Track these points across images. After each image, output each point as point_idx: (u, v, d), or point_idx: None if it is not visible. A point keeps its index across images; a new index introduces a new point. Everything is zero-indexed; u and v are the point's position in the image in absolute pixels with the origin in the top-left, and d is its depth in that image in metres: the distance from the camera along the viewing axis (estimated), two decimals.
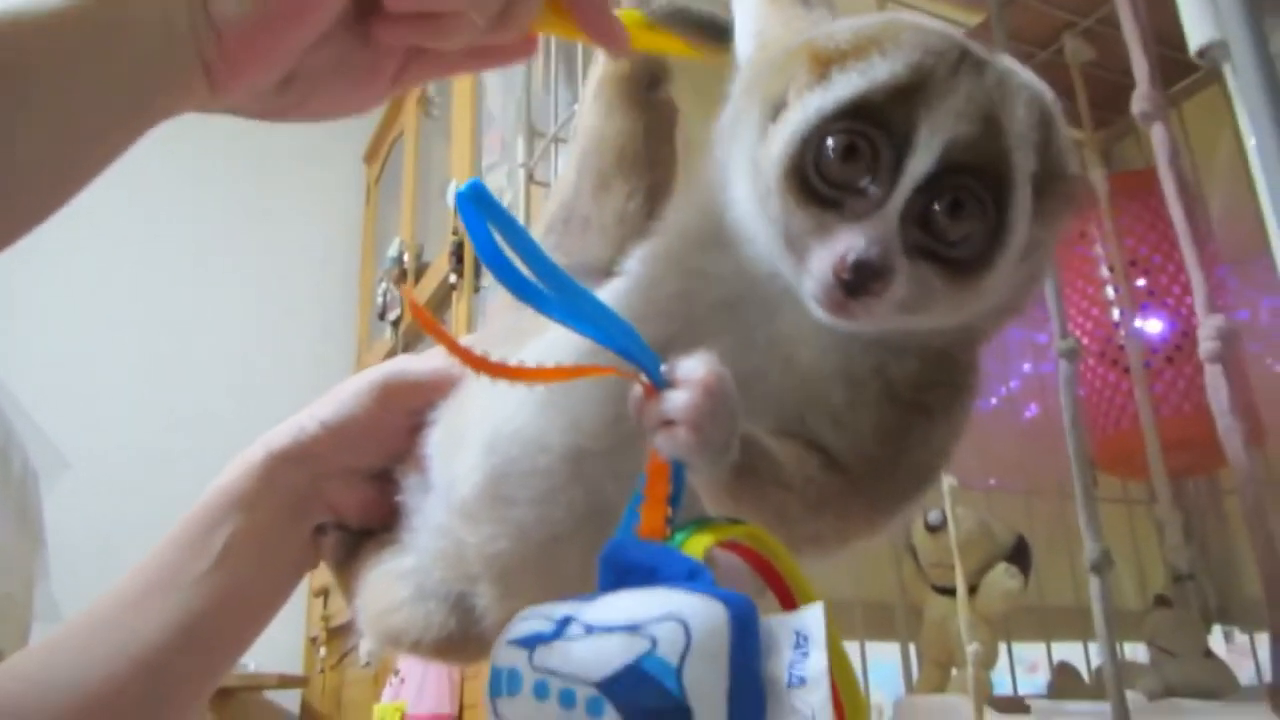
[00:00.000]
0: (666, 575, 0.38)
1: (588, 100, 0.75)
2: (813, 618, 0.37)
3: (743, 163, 0.52)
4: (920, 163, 0.46)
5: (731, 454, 0.45)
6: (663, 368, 0.43)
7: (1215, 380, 0.66)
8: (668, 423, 0.42)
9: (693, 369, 0.43)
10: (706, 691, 0.35)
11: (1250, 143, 0.62)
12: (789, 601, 0.43)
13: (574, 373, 0.46)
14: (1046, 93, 0.50)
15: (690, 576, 0.38)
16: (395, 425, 0.73)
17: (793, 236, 0.49)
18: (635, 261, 0.60)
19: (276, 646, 3.33)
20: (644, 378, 0.43)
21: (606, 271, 0.64)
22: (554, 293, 0.44)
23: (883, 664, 1.34)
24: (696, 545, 0.40)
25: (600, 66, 0.75)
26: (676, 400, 0.42)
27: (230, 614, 0.73)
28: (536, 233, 0.71)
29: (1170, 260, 1.39)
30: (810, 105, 0.48)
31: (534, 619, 0.39)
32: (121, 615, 0.71)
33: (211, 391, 3.43)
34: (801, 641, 0.36)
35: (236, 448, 0.76)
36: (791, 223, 0.49)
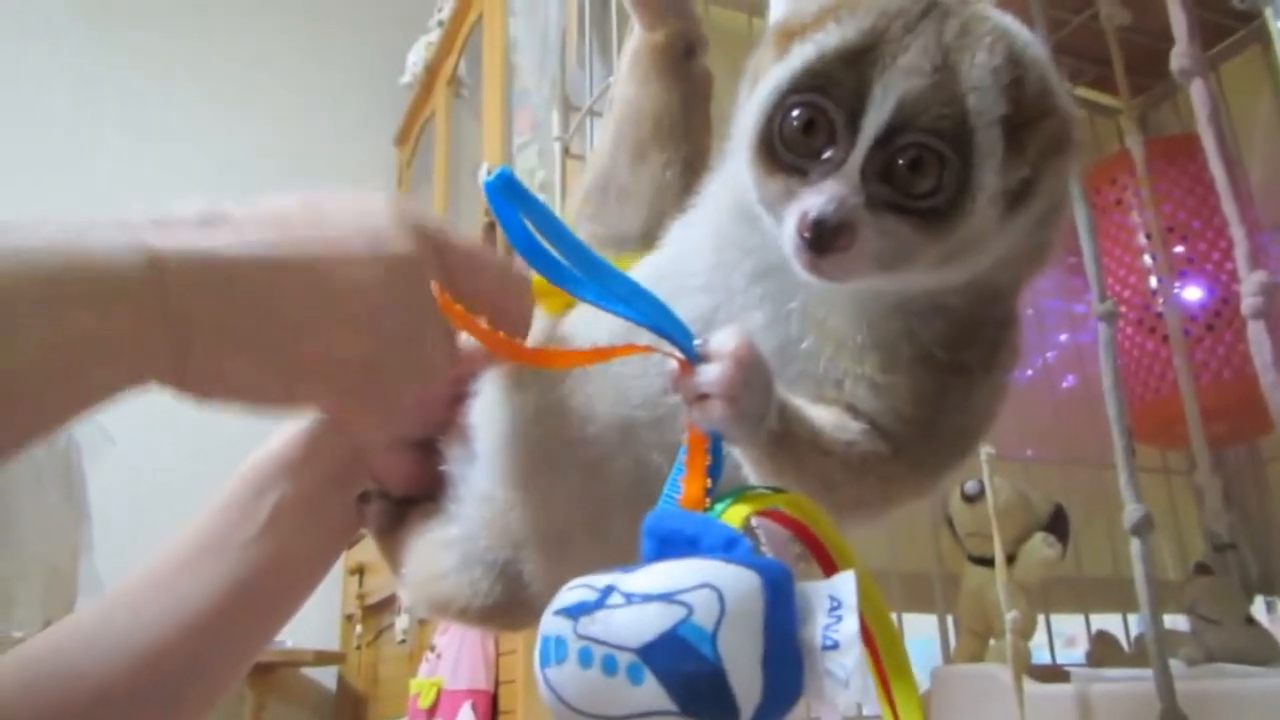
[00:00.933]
0: (706, 545, 0.39)
1: (623, 70, 0.75)
2: (845, 582, 0.38)
3: (740, 148, 0.53)
4: (874, 121, 0.46)
5: (768, 423, 0.45)
6: (696, 342, 0.44)
7: (1259, 336, 0.66)
8: (703, 396, 0.43)
9: (723, 342, 0.43)
10: (741, 656, 0.36)
11: None
12: (830, 567, 0.43)
13: (609, 354, 0.48)
14: (1019, 35, 0.49)
15: (729, 546, 0.39)
16: (438, 394, 0.74)
17: (768, 204, 0.50)
18: (673, 235, 0.61)
19: (313, 623, 3.37)
20: (679, 353, 0.44)
21: (644, 241, 0.64)
22: (586, 275, 0.45)
23: (920, 634, 1.34)
24: (735, 515, 0.41)
25: (636, 38, 0.75)
26: (709, 374, 0.43)
27: (276, 580, 0.74)
28: (573, 203, 0.72)
29: (1209, 226, 1.37)
30: (771, 79, 0.49)
31: (579, 589, 0.40)
32: (171, 579, 0.72)
33: None
34: (835, 606, 0.37)
35: (274, 428, 0.77)
36: (764, 191, 0.50)
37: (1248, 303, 0.66)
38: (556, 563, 0.63)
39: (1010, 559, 1.13)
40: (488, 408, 0.67)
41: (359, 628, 3.30)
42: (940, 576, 1.33)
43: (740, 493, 0.43)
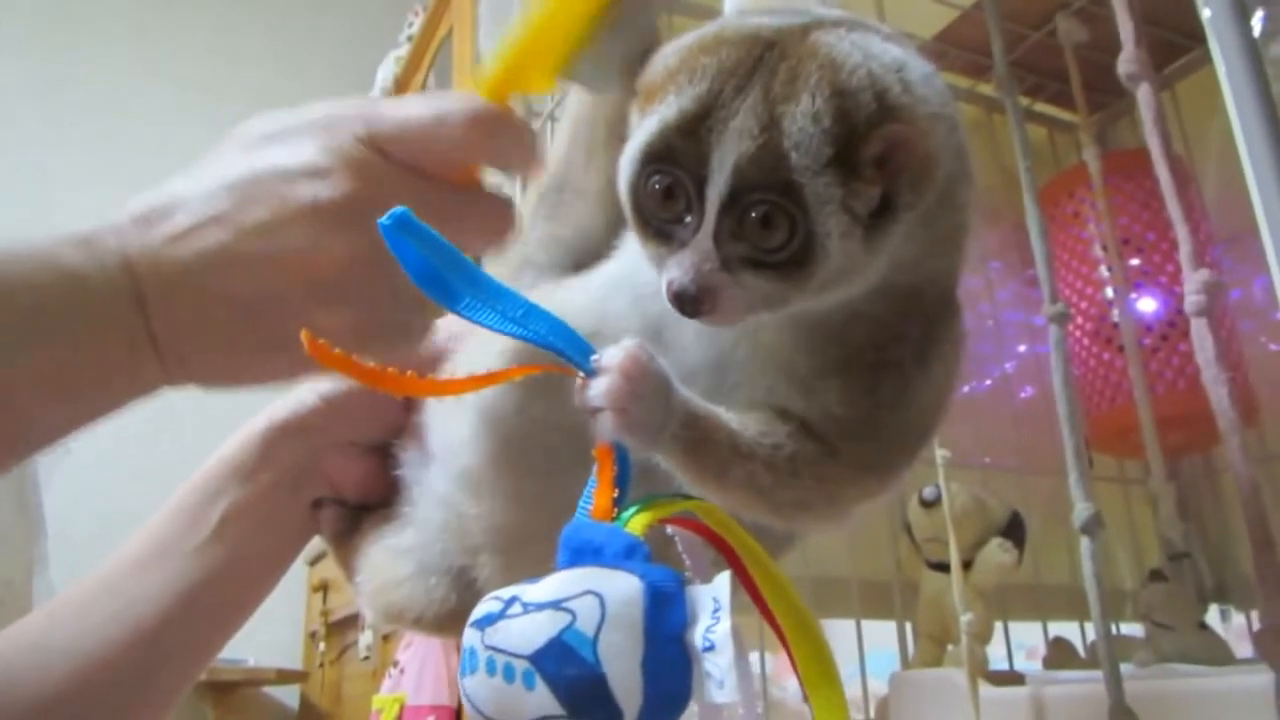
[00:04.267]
0: (609, 552, 0.41)
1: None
2: (721, 583, 0.39)
3: None
4: (715, 187, 0.47)
5: (669, 430, 0.47)
6: (593, 358, 0.46)
7: (1201, 333, 0.67)
8: (597, 409, 0.45)
9: (612, 356, 0.45)
10: (621, 660, 0.37)
11: (1221, 72, 0.62)
12: (744, 571, 0.45)
13: (503, 376, 0.49)
14: (849, 59, 0.48)
15: (628, 553, 0.40)
16: (395, 398, 0.74)
17: (649, 263, 0.52)
18: (624, 245, 0.61)
19: (276, 642, 3.33)
20: (577, 370, 0.46)
21: (599, 241, 0.64)
22: (482, 300, 0.46)
23: (880, 641, 1.34)
24: (637, 523, 0.43)
25: None
26: (598, 387, 0.45)
27: (227, 585, 0.73)
28: (530, 201, 0.72)
29: (1164, 239, 1.39)
30: (632, 145, 0.51)
31: (489, 600, 0.42)
32: (120, 583, 0.71)
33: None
34: (716, 608, 0.38)
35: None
36: (645, 253, 0.52)
37: (1190, 300, 0.68)
38: (513, 569, 0.62)
39: (967, 564, 1.14)
40: (447, 412, 0.67)
41: (322, 645, 3.26)
42: (899, 583, 1.34)
43: (646, 502, 0.44)
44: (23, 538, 1.89)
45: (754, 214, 0.47)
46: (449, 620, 0.68)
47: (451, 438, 0.65)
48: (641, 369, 0.45)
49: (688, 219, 0.49)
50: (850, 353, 0.53)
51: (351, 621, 2.92)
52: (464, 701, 0.41)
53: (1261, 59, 0.58)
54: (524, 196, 0.74)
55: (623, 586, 0.38)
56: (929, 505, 1.22)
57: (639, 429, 0.45)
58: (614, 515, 0.43)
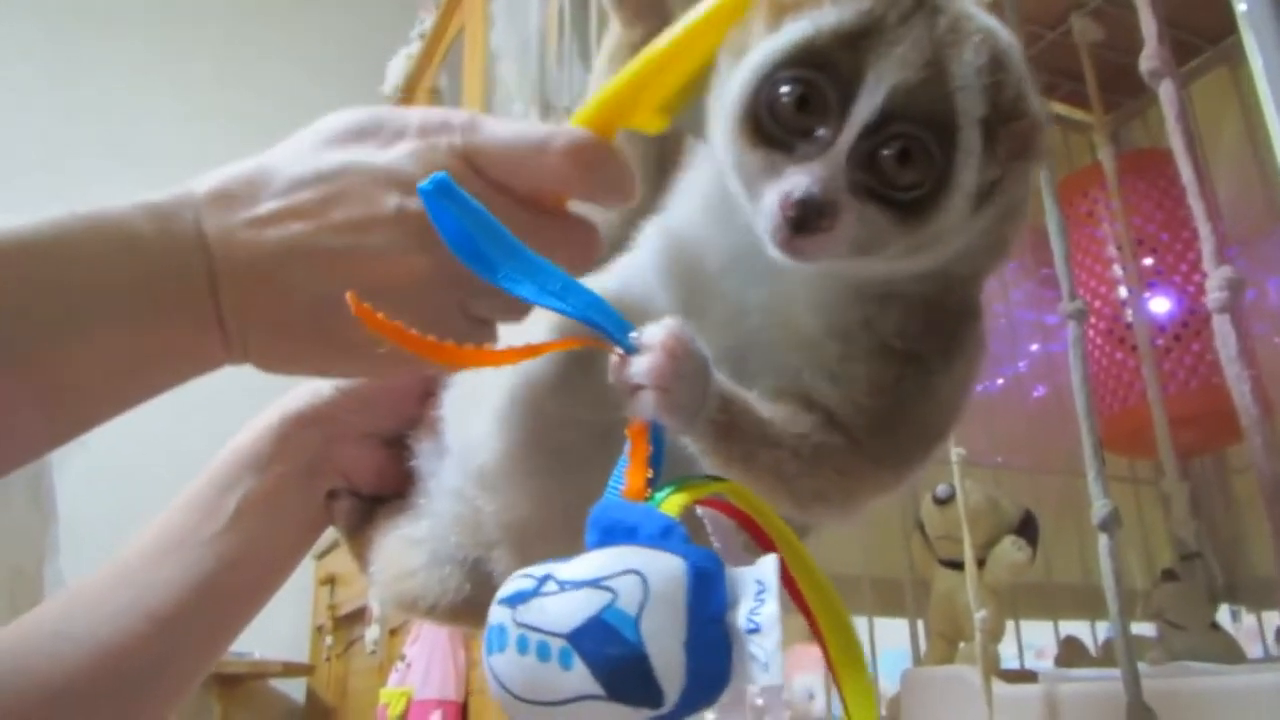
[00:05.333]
0: (644, 534, 0.40)
1: (599, 67, 0.76)
2: (767, 565, 0.38)
3: (718, 123, 0.53)
4: (865, 108, 0.47)
5: (706, 412, 0.47)
6: (631, 335, 0.45)
7: (1224, 330, 0.67)
8: (637, 387, 0.44)
9: (654, 333, 0.45)
10: (664, 640, 0.37)
11: (1255, 63, 0.62)
12: (772, 551, 0.44)
13: (542, 349, 0.49)
14: (1003, 36, 0.50)
15: (664, 534, 0.40)
16: (409, 389, 0.74)
17: (747, 178, 0.50)
18: (645, 234, 0.61)
19: (282, 635, 3.34)
20: (616, 347, 0.46)
21: (616, 234, 0.64)
22: (522, 273, 0.46)
23: (892, 639, 1.34)
24: (674, 504, 0.42)
25: (613, 35, 0.75)
26: (641, 365, 0.44)
27: (241, 575, 0.74)
28: None
29: (1177, 239, 1.39)
30: (762, 51, 0.49)
31: (520, 578, 0.41)
32: (135, 573, 0.72)
33: (228, 379, 3.43)
34: (760, 590, 0.38)
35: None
36: (745, 164, 0.50)
37: (1213, 297, 0.67)
38: (527, 561, 0.62)
39: (980, 563, 1.13)
40: (463, 408, 0.67)
41: (329, 639, 3.27)
42: (911, 581, 1.34)
43: (681, 483, 0.44)
44: (36, 526, 1.89)
45: (894, 145, 0.47)
46: (463, 609, 0.69)
47: (468, 434, 0.65)
48: (685, 347, 0.45)
49: (819, 132, 0.48)
50: (880, 342, 0.53)
51: (358, 615, 2.92)
52: (490, 681, 0.40)
53: None
54: None
55: (665, 566, 0.38)
56: (943, 503, 1.22)
57: (679, 409, 0.45)
58: (647, 495, 0.43)
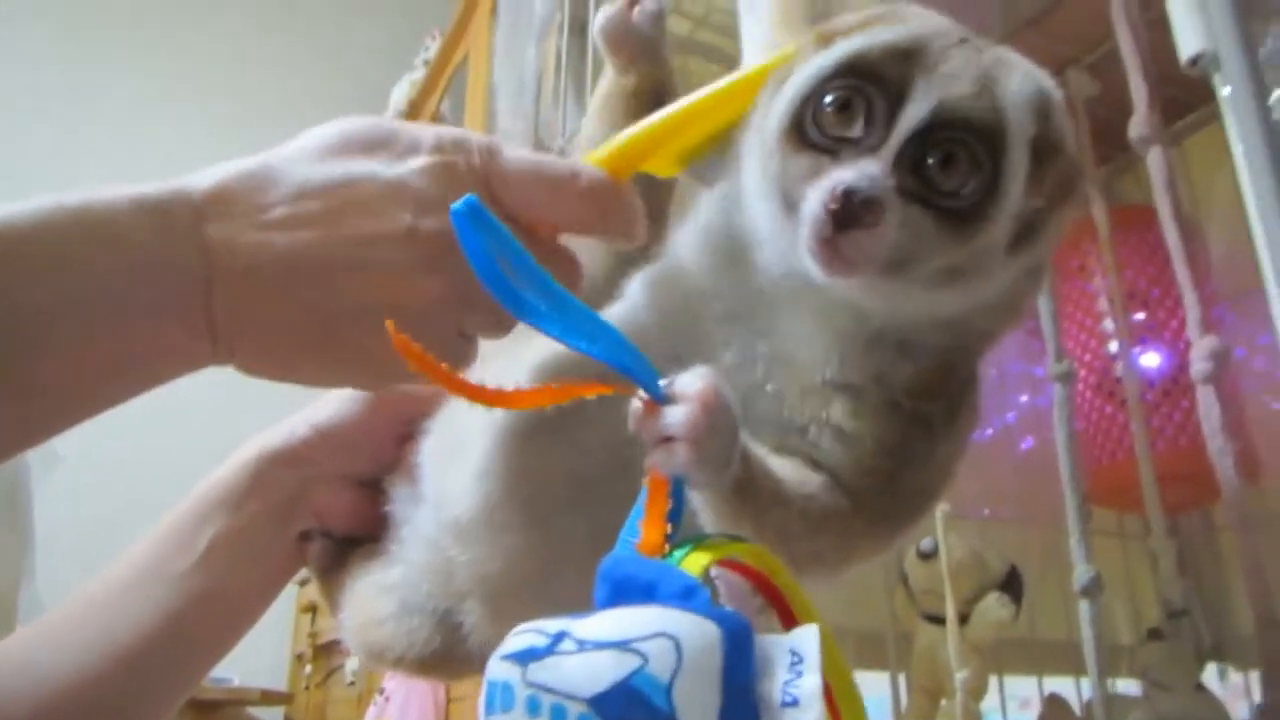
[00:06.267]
0: (663, 592, 0.38)
1: (593, 111, 0.75)
2: (808, 637, 0.36)
3: (756, 151, 0.53)
4: (914, 113, 0.47)
5: (732, 469, 0.45)
6: (661, 382, 0.43)
7: (1208, 401, 0.66)
8: (667, 438, 0.42)
9: (690, 383, 0.43)
10: (697, 710, 0.34)
11: (1237, 151, 0.62)
12: (790, 620, 0.42)
13: (572, 392, 0.46)
14: (1047, 77, 0.51)
15: (687, 594, 0.37)
16: (387, 433, 0.73)
17: (788, 188, 0.50)
18: (637, 284, 0.60)
19: (262, 662, 3.30)
20: (643, 393, 0.43)
21: (603, 286, 0.64)
22: (551, 309, 0.44)
23: (873, 693, 1.33)
24: (695, 563, 0.39)
25: (607, 79, 0.75)
26: (675, 415, 0.42)
27: (210, 614, 0.72)
28: None
29: (1168, 295, 1.39)
30: (812, 65, 0.50)
31: (529, 633, 0.38)
32: (102, 608, 0.71)
33: (207, 395, 3.41)
34: (796, 661, 0.36)
35: (225, 457, 0.76)
36: (787, 172, 0.50)
37: (1198, 368, 0.67)
38: (500, 615, 0.61)
39: (964, 618, 1.12)
40: (442, 455, 0.66)
41: (308, 668, 3.23)
42: (894, 634, 1.32)
43: (700, 540, 0.41)
44: (13, 550, 1.88)
45: (940, 151, 0.47)
46: (430, 661, 0.67)
47: (446, 483, 0.64)
48: (720, 401, 0.43)
49: (866, 137, 0.48)
50: (888, 399, 0.52)
51: (339, 645, 2.89)
52: None
53: (1278, 139, 0.58)
54: None
55: (699, 632, 0.35)
56: (926, 557, 1.21)
57: (709, 463, 0.43)
58: (665, 552, 0.40)
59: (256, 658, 3.18)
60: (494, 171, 0.54)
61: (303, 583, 3.15)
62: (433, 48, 3.35)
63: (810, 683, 0.35)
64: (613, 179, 0.56)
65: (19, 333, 0.48)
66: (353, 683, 2.71)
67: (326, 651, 3.09)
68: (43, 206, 0.49)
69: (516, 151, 0.56)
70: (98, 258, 0.50)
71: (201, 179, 0.53)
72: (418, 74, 3.48)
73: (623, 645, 0.35)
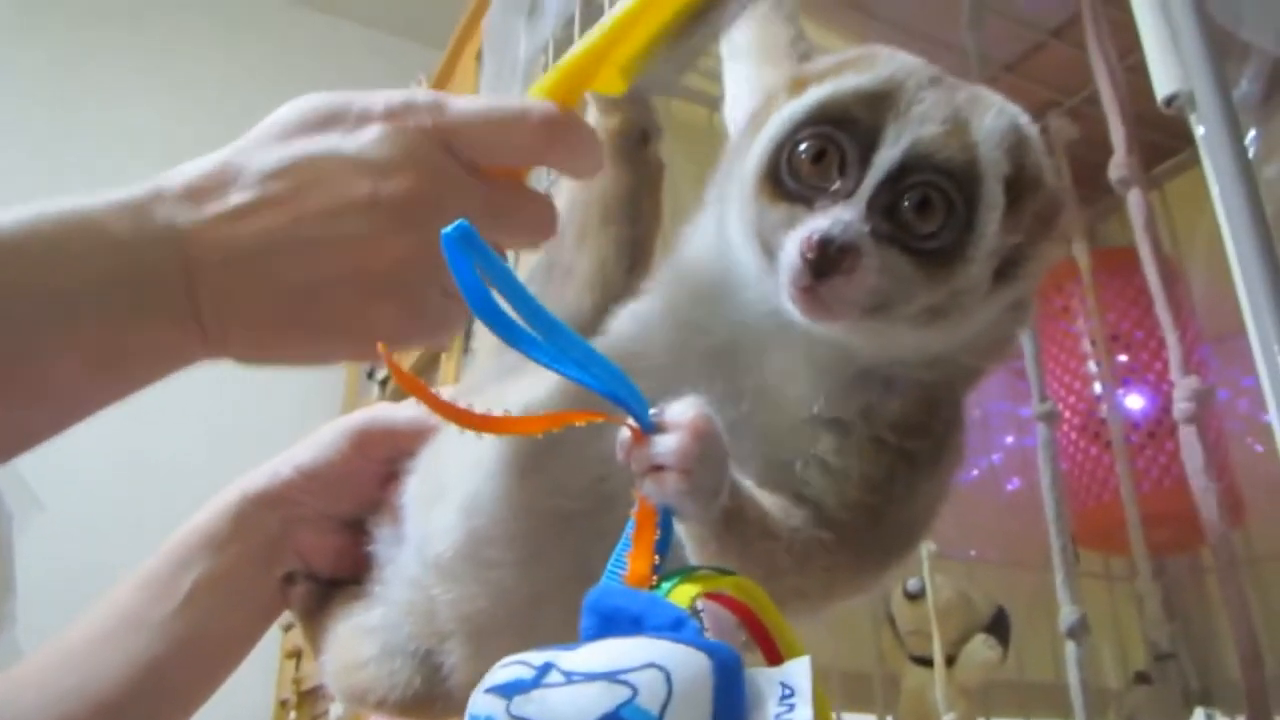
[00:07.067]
0: (651, 624, 0.37)
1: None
2: (799, 670, 0.36)
3: (735, 193, 0.54)
4: (886, 158, 0.48)
5: (721, 499, 0.45)
6: (651, 411, 0.43)
7: (1190, 441, 0.67)
8: (657, 468, 0.42)
9: (681, 412, 0.43)
10: None
11: (1214, 190, 0.63)
12: (774, 655, 0.42)
13: (559, 419, 0.46)
14: (1021, 113, 0.52)
15: (675, 626, 0.37)
16: (371, 473, 0.73)
17: (766, 234, 0.51)
18: (623, 320, 0.61)
19: (246, 708, 3.24)
20: (632, 421, 0.43)
21: (587, 323, 0.64)
22: (542, 337, 0.44)
23: None
24: (683, 595, 0.39)
25: (591, 121, 0.76)
26: (666, 444, 0.42)
27: (193, 659, 0.72)
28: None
29: (1152, 337, 1.40)
30: (785, 112, 0.51)
31: (514, 665, 0.38)
32: (84, 655, 0.70)
33: (190, 444, 3.39)
34: (787, 694, 0.36)
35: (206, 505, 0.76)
36: (765, 220, 0.51)
37: (1179, 408, 0.68)
38: (482, 654, 0.61)
39: (951, 660, 1.12)
40: (426, 494, 0.66)
41: (293, 714, 3.19)
42: (881, 675, 1.31)
43: (688, 572, 0.41)
44: None
45: (914, 194, 0.48)
46: (412, 704, 0.67)
47: (429, 522, 0.63)
48: (711, 429, 0.43)
49: (837, 184, 0.49)
50: (875, 435, 0.53)
51: (323, 690, 2.86)
52: None
53: (1254, 178, 0.59)
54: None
55: (689, 662, 0.35)
56: (913, 598, 1.20)
57: (701, 493, 0.43)
58: (653, 583, 0.40)
59: (241, 703, 3.12)
60: (445, 126, 0.55)
61: (287, 628, 3.11)
62: (424, 81, 3.38)
63: (803, 715, 0.35)
64: (562, 108, 0.57)
65: (14, 336, 0.49)
66: None
67: (310, 697, 3.05)
68: (27, 213, 0.50)
69: (463, 100, 0.57)
70: (85, 259, 0.51)
71: (173, 177, 0.54)
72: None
73: (612, 677, 0.35)
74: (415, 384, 0.44)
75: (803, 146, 0.50)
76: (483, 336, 0.77)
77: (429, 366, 2.34)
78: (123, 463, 3.38)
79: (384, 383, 3.02)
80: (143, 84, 4.05)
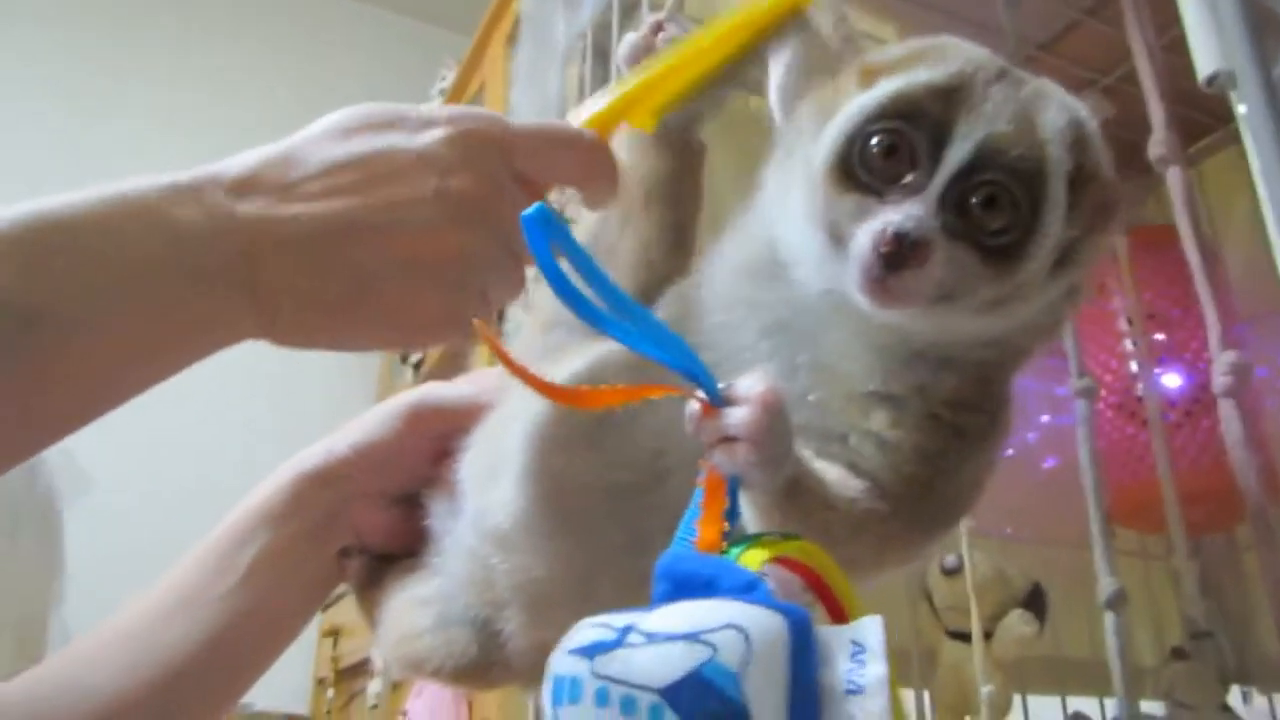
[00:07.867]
0: (724, 587, 0.39)
1: (620, 139, 0.77)
2: (872, 627, 0.38)
3: (798, 176, 0.56)
4: (957, 153, 0.50)
5: (786, 470, 0.47)
6: (720, 385, 0.45)
7: (1229, 414, 0.67)
8: (727, 439, 0.44)
9: (751, 385, 0.45)
10: (766, 699, 0.35)
11: (1255, 168, 0.64)
12: (839, 617, 0.43)
13: (641, 392, 0.47)
14: (1082, 107, 0.53)
15: (748, 589, 0.39)
16: (423, 450, 0.75)
17: (835, 223, 0.52)
18: (672, 298, 0.62)
19: (283, 686, 3.30)
20: (701, 394, 0.45)
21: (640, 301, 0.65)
22: (618, 315, 0.46)
23: None
24: (753, 559, 0.41)
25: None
26: (737, 416, 0.44)
27: (252, 634, 0.74)
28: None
29: (1189, 315, 1.39)
30: (856, 104, 0.52)
31: (594, 628, 0.39)
32: (146, 630, 0.72)
33: (232, 429, 3.44)
34: (858, 651, 0.37)
35: (252, 485, 0.77)
36: (835, 209, 0.52)
37: (1218, 381, 0.68)
38: (539, 622, 0.63)
39: (988, 635, 1.13)
40: (482, 468, 0.68)
41: (330, 691, 3.24)
42: (918, 651, 1.32)
43: (756, 538, 0.43)
44: (44, 575, 1.90)
45: (982, 192, 0.50)
46: (467, 671, 0.69)
47: (487, 494, 0.65)
48: (780, 403, 0.45)
49: (908, 178, 0.51)
50: (929, 411, 0.54)
51: (361, 668, 2.90)
52: None
53: None
54: None
55: (765, 623, 0.36)
56: (950, 574, 1.21)
57: (768, 464, 0.45)
58: (723, 549, 0.42)
59: (279, 682, 3.16)
60: (508, 137, 0.59)
61: (326, 607, 3.16)
62: (449, 78, 3.38)
63: (876, 670, 0.36)
64: (604, 139, 0.63)
65: (78, 312, 0.51)
66: (375, 706, 2.71)
67: (348, 675, 3.09)
68: (81, 196, 0.52)
69: (523, 119, 0.61)
70: (144, 235, 0.53)
71: (228, 166, 0.56)
72: (434, 104, 3.51)
73: (692, 637, 0.36)
74: (508, 359, 0.47)
75: (875, 140, 0.51)
76: (516, 319, 0.79)
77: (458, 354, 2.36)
78: (168, 450, 3.43)
79: (417, 367, 3.05)
80: (177, 68, 4.08)
